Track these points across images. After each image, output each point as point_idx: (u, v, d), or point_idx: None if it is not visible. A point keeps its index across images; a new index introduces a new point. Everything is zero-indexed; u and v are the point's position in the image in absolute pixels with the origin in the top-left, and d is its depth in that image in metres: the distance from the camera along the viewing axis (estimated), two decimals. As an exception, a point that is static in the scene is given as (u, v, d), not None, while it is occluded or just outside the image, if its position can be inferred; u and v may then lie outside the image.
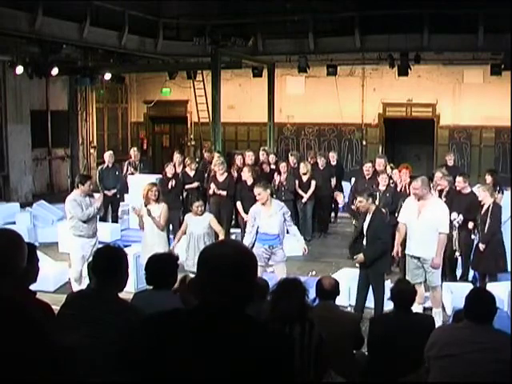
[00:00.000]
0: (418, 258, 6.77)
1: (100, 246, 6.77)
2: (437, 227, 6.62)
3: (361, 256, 6.75)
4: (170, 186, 10.34)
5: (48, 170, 16.49)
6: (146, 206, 7.78)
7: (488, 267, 7.63)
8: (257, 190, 7.15)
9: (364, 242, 6.87)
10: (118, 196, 11.71)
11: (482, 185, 8.38)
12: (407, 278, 6.85)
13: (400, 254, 7.09)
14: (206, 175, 11.06)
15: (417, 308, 6.79)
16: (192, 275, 2.74)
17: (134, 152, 12.41)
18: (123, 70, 16.65)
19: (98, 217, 8.04)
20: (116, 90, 18.75)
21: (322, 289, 4.64)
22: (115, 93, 18.82)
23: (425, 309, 7.10)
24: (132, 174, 11.94)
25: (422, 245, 6.68)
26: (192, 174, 10.84)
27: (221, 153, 12.33)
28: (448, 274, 8.18)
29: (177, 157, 11.64)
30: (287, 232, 7.47)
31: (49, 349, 2.27)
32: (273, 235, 7.10)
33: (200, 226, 7.41)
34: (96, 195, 8.12)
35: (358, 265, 7.11)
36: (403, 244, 7.05)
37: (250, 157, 11.28)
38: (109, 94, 18.49)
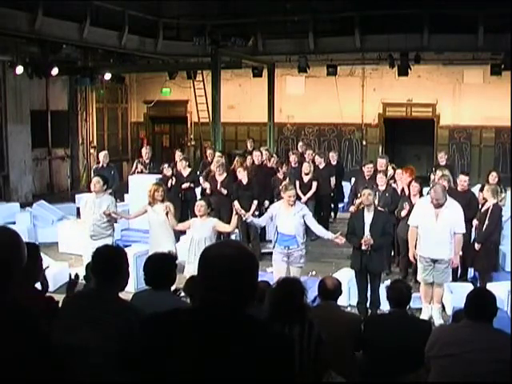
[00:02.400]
0: (432, 260, 6.85)
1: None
2: (453, 228, 6.76)
3: (369, 238, 6.83)
4: (169, 185, 10.35)
5: (48, 170, 16.48)
6: (150, 205, 7.80)
7: (482, 266, 7.67)
8: (290, 193, 7.11)
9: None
10: (114, 197, 11.69)
11: (489, 185, 8.37)
12: (419, 278, 7.05)
13: (416, 257, 7.12)
14: (203, 175, 11.08)
15: (436, 308, 6.93)
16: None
17: (145, 150, 12.41)
18: (123, 70, 16.64)
19: (105, 224, 7.88)
20: (116, 90, 18.75)
21: (324, 289, 4.64)
22: (115, 93, 18.81)
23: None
24: (141, 172, 11.95)
25: (440, 247, 6.76)
26: (186, 173, 10.82)
27: (221, 152, 12.36)
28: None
29: (179, 155, 11.63)
30: (314, 234, 7.66)
31: (49, 349, 2.27)
32: (289, 236, 7.08)
33: (202, 229, 7.35)
34: (106, 194, 8.15)
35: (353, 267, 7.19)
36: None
37: (257, 157, 11.30)
38: (109, 93, 18.48)
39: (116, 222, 8.17)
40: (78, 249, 8.72)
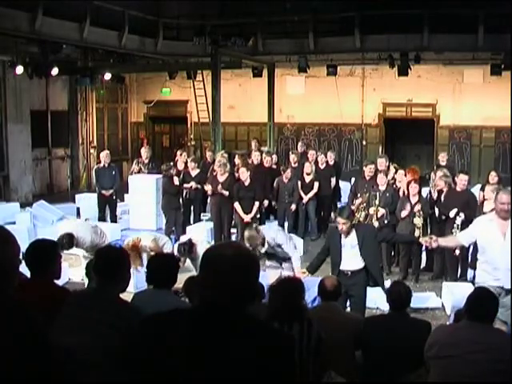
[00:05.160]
0: (502, 290, 5.28)
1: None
2: None
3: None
4: (177, 183, 10.33)
5: (48, 170, 16.48)
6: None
7: None
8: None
9: (350, 260, 6.12)
10: (115, 197, 11.69)
11: (490, 184, 8.35)
12: None
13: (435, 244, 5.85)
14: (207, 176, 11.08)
15: None
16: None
17: (144, 150, 12.39)
18: (123, 70, 16.64)
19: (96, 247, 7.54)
20: (116, 90, 18.74)
21: (323, 289, 4.63)
22: (115, 93, 18.81)
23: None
24: (139, 172, 11.93)
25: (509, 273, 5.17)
26: (194, 174, 10.80)
27: (225, 151, 12.35)
28: (450, 274, 8.21)
29: (184, 155, 11.60)
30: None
31: (48, 349, 2.27)
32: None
33: None
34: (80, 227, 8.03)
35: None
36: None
37: (256, 157, 11.31)
38: (109, 93, 18.48)
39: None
40: (77, 249, 8.69)
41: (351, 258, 6.06)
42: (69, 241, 7.49)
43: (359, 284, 6.08)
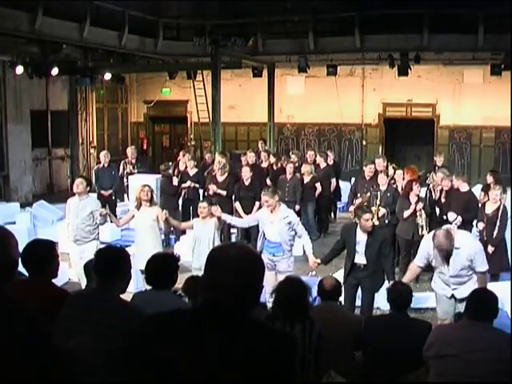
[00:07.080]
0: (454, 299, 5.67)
1: (100, 246, 6.79)
2: (473, 267, 5.45)
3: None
4: (176, 183, 10.33)
5: (48, 170, 16.48)
6: (137, 208, 7.77)
7: (495, 268, 7.65)
8: (264, 198, 6.88)
9: (359, 259, 6.33)
10: (114, 197, 11.67)
11: (495, 188, 8.35)
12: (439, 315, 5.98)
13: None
14: (205, 175, 11.08)
15: None
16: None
17: (130, 150, 12.36)
18: (123, 70, 16.64)
19: (88, 227, 7.56)
20: (116, 90, 18.74)
21: (323, 289, 4.64)
22: (115, 93, 18.81)
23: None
24: (130, 173, 11.90)
25: (458, 286, 5.54)
26: (192, 173, 10.81)
27: (223, 153, 12.31)
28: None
29: (186, 155, 11.60)
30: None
31: (49, 350, 2.27)
32: (274, 243, 6.86)
33: (205, 230, 7.26)
34: (90, 196, 7.92)
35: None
36: None
37: (251, 158, 11.31)
38: (109, 93, 18.48)
39: (102, 225, 7.87)
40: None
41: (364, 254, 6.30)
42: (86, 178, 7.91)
43: (376, 277, 6.28)
